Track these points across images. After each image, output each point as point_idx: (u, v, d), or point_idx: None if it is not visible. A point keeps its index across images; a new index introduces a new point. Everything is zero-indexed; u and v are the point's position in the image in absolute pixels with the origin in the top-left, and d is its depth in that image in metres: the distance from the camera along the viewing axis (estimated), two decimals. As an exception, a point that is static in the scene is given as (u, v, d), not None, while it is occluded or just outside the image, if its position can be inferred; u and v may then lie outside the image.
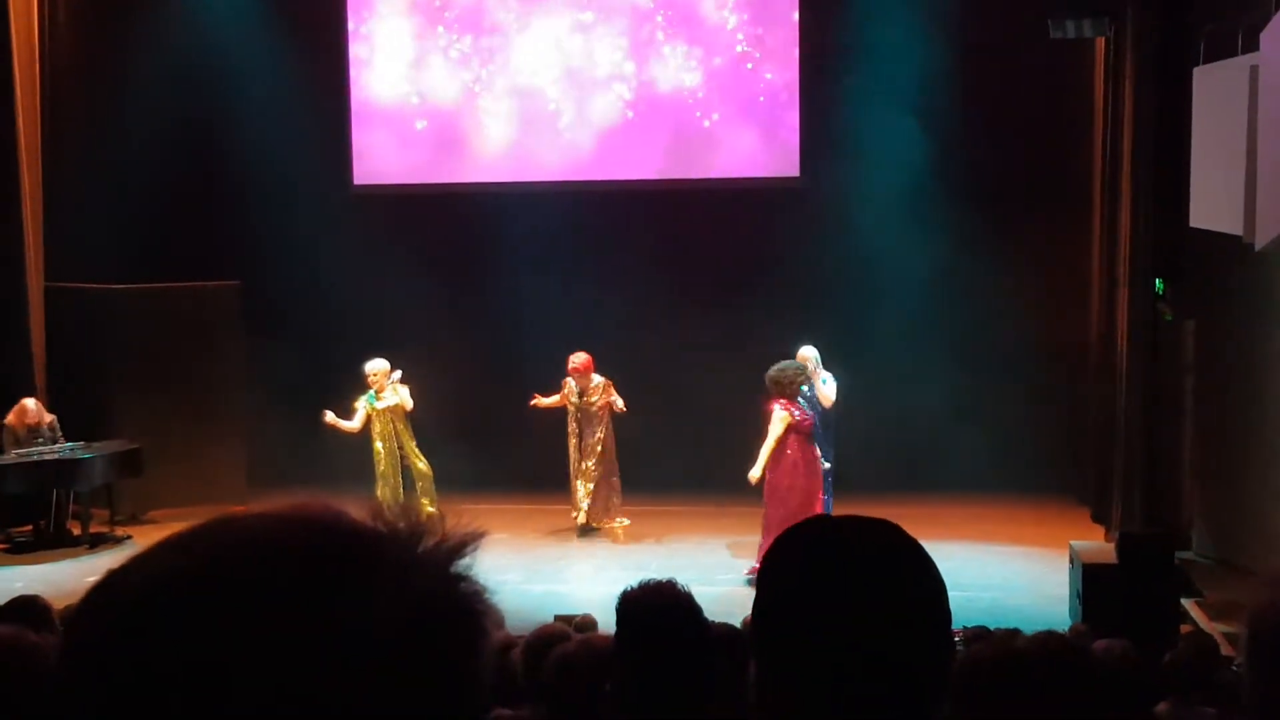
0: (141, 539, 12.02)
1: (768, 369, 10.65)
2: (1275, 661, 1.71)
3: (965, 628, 6.57)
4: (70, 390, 13.08)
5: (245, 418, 13.71)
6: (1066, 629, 7.77)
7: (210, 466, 13.29)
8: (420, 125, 14.86)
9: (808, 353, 11.26)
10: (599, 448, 12.39)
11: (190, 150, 14.43)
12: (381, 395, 12.23)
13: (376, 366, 12.27)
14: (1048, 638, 2.71)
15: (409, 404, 12.24)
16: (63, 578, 10.69)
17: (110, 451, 12.46)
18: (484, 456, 12.48)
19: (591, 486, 12.39)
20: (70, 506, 12.50)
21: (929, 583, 1.54)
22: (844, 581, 1.52)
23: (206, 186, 14.63)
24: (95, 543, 12.23)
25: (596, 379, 12.36)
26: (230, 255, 14.28)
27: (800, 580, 1.55)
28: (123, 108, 14.17)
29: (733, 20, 14.40)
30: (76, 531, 12.38)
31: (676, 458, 13.34)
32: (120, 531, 12.51)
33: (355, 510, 0.90)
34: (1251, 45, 8.63)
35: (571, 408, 12.43)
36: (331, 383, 13.27)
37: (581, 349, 12.42)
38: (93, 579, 0.89)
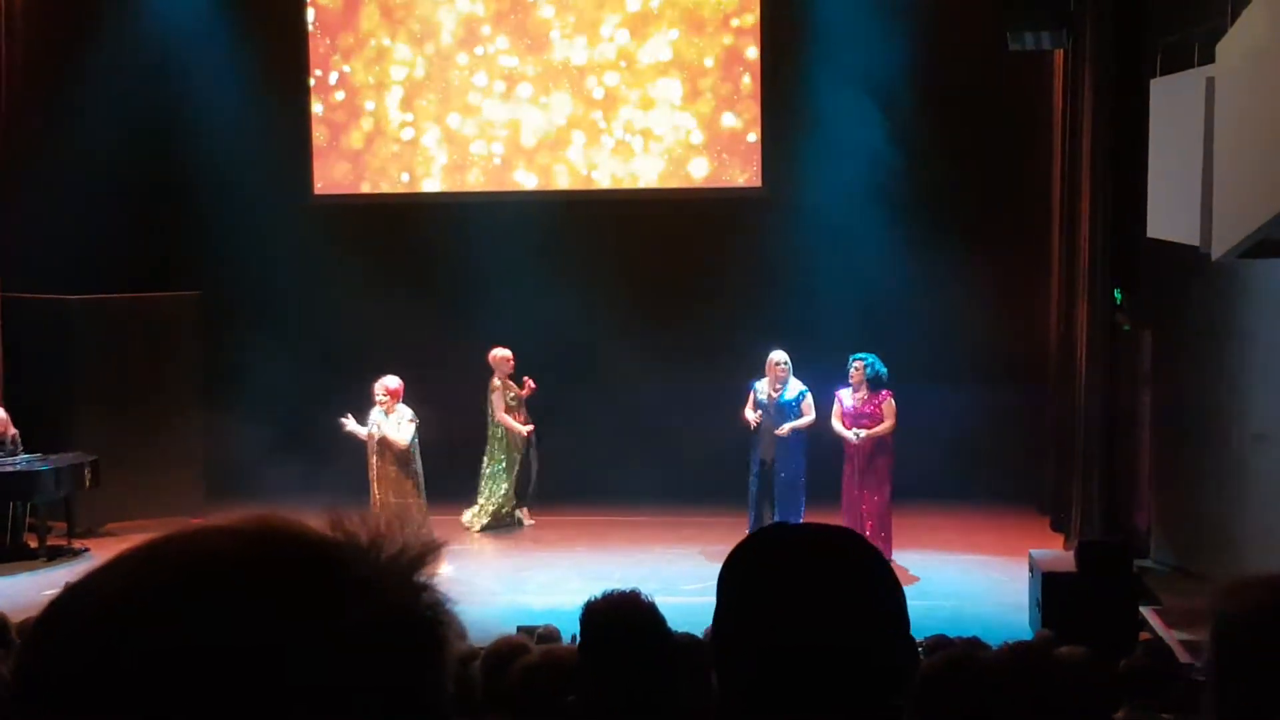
0: (99, 552, 11.91)
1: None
2: (1242, 667, 1.72)
3: (926, 637, 6.59)
4: (27, 402, 12.92)
5: (203, 429, 13.60)
6: (1026, 637, 7.80)
7: (168, 479, 13.15)
8: (382, 133, 14.80)
9: (778, 356, 11.32)
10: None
11: (149, 158, 14.33)
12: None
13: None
14: (1016, 646, 2.73)
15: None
16: (19, 591, 10.55)
17: (67, 464, 12.31)
18: (441, 466, 12.40)
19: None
20: (27, 519, 12.36)
21: (887, 589, 1.55)
22: (803, 589, 1.52)
23: (166, 195, 14.53)
24: (52, 556, 12.09)
25: (404, 409, 11.75)
26: (189, 265, 14.19)
27: (760, 588, 1.55)
28: (80, 115, 14.03)
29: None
30: (33, 544, 12.23)
31: (640, 468, 13.32)
32: (78, 544, 12.37)
33: (315, 521, 0.90)
34: (1208, 57, 8.72)
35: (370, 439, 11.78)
36: (291, 394, 13.19)
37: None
38: (50, 592, 0.88)
